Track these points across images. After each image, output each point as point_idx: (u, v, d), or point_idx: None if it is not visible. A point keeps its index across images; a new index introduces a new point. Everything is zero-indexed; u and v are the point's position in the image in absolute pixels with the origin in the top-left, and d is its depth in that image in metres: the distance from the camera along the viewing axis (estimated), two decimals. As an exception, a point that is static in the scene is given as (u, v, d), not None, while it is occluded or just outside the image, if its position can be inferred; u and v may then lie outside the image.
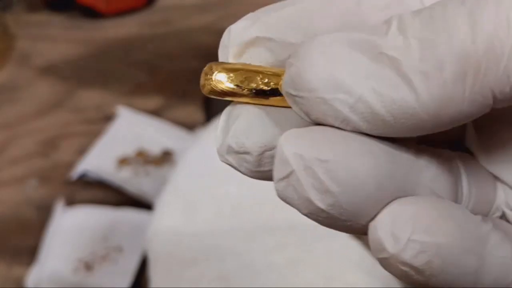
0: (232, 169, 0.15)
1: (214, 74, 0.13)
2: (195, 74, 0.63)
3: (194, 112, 0.58)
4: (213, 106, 0.54)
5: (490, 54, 0.12)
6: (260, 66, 0.13)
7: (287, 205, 0.15)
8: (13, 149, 0.55)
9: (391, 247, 0.12)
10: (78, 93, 0.61)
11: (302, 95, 0.12)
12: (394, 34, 0.12)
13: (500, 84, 0.12)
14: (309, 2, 0.14)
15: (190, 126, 0.55)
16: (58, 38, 0.69)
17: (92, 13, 0.70)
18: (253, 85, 0.13)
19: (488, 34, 0.12)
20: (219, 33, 0.60)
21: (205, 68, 0.14)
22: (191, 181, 0.39)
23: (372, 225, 0.13)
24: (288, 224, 0.36)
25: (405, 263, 0.12)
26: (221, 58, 0.15)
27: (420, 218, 0.12)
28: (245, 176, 0.15)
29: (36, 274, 0.43)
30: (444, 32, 0.12)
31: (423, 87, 0.12)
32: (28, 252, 0.45)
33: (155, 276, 0.36)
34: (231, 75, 0.13)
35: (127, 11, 0.71)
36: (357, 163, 0.12)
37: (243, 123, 0.14)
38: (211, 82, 0.13)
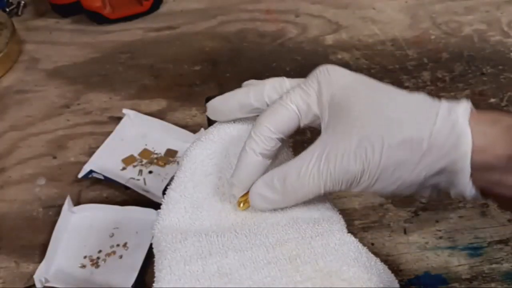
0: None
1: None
2: (198, 78, 0.64)
3: (196, 114, 0.59)
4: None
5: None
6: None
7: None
8: (22, 149, 0.56)
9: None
10: (84, 96, 0.62)
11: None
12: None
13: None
14: None
15: (193, 128, 0.56)
16: (65, 43, 0.70)
17: (98, 18, 0.71)
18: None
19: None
20: (221, 38, 0.65)
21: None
22: (196, 179, 0.39)
23: None
24: (288, 220, 0.37)
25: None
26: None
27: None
28: None
29: (43, 271, 0.43)
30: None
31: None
32: (36, 250, 0.46)
33: (160, 272, 0.36)
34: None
35: (132, 16, 0.72)
36: None
37: None
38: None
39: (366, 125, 0.33)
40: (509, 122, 0.32)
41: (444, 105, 0.33)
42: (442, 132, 0.32)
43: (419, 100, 0.34)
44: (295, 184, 0.34)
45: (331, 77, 0.35)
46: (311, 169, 0.33)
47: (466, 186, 0.33)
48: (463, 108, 0.32)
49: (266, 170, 0.37)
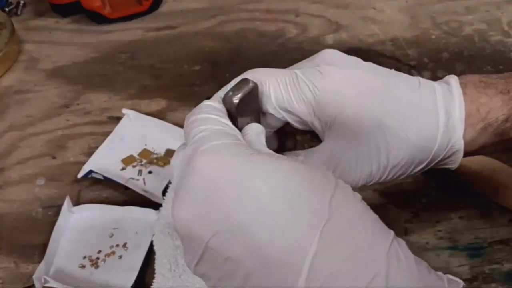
0: None
1: None
2: (198, 78, 0.64)
3: (197, 114, 0.59)
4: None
5: None
6: None
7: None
8: (22, 149, 0.56)
9: None
10: (84, 96, 0.62)
11: None
12: None
13: None
14: None
15: (193, 128, 0.56)
16: (65, 42, 0.70)
17: (98, 18, 0.71)
18: None
19: None
20: (221, 38, 0.64)
21: None
22: None
23: None
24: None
25: None
26: None
27: None
28: None
29: (43, 271, 0.43)
30: None
31: None
32: (36, 250, 0.46)
33: (160, 271, 0.36)
34: None
35: (131, 16, 0.72)
36: None
37: None
38: None
39: (372, 137, 0.36)
40: (496, 127, 0.36)
41: (441, 108, 0.36)
42: (443, 142, 0.36)
43: (420, 101, 0.36)
44: None
45: (325, 77, 0.37)
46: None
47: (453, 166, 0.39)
48: (458, 109, 0.36)
49: None
